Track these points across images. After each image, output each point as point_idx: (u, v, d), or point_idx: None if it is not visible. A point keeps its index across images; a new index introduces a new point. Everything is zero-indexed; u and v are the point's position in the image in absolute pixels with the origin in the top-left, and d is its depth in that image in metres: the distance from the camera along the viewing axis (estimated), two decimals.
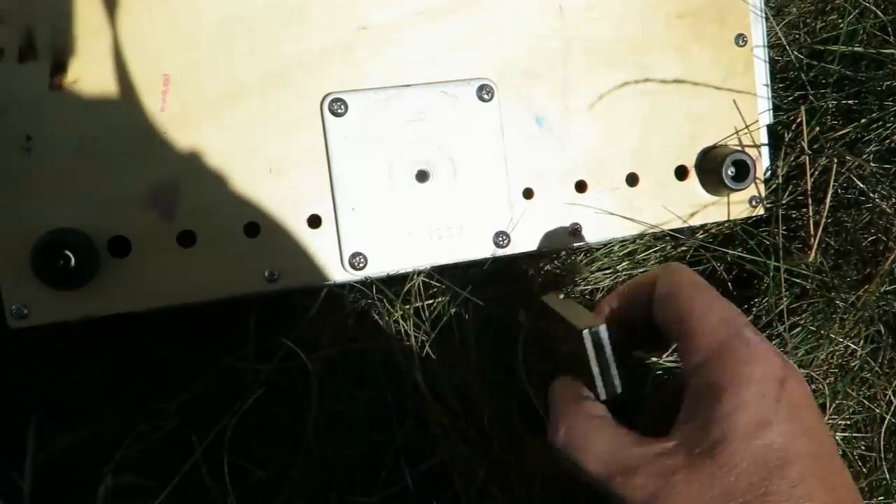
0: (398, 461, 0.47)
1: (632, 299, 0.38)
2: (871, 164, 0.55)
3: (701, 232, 0.53)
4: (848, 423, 0.54)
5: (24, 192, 0.39)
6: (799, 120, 0.52)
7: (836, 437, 0.53)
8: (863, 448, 0.55)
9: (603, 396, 0.35)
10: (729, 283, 0.54)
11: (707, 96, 0.48)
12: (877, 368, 0.54)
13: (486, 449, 0.47)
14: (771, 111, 0.50)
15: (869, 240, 0.56)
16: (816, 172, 0.53)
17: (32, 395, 0.45)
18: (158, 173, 0.41)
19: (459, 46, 0.45)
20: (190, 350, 0.47)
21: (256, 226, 0.42)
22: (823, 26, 0.60)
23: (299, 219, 0.43)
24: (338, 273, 0.43)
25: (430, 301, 0.48)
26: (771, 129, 0.51)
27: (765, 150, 0.50)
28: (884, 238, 0.56)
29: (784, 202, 0.53)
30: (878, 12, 0.57)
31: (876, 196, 0.55)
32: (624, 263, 0.52)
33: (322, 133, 0.43)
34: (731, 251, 0.52)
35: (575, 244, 0.47)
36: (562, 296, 0.44)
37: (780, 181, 0.51)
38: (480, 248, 0.45)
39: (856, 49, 0.56)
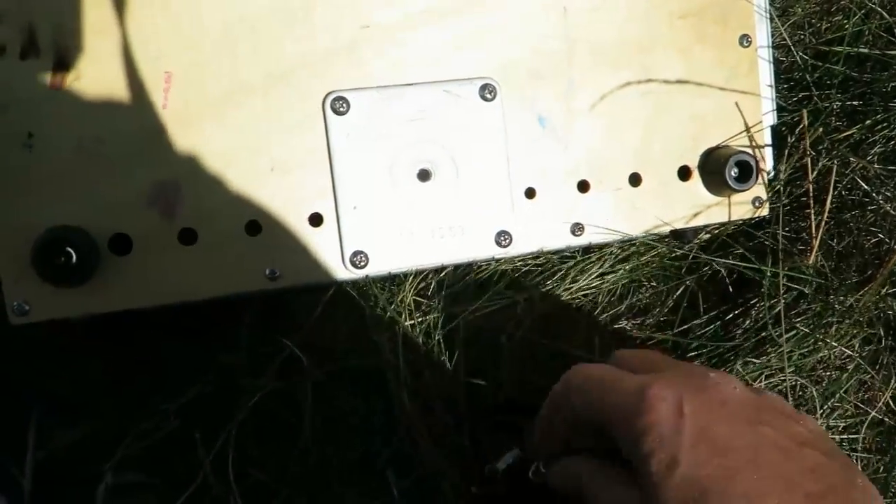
0: (395, 467, 0.47)
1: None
2: (876, 165, 0.55)
3: (704, 233, 0.53)
4: (846, 424, 0.54)
5: (25, 189, 0.39)
6: (802, 121, 0.51)
7: (835, 439, 0.53)
8: (860, 450, 0.55)
9: None
10: (729, 286, 0.54)
11: (711, 97, 0.48)
12: (872, 372, 0.54)
13: (477, 459, 0.47)
14: (775, 112, 0.50)
15: (872, 241, 0.56)
16: (820, 174, 0.53)
17: (33, 392, 0.45)
18: (160, 171, 0.41)
19: (462, 46, 0.44)
20: (190, 347, 0.47)
21: (258, 224, 0.42)
22: (829, 27, 0.60)
23: (301, 217, 0.43)
24: (339, 272, 0.43)
25: (421, 319, 0.48)
26: (775, 130, 0.51)
27: (768, 151, 0.50)
28: (887, 240, 0.56)
29: (787, 204, 0.53)
30: (884, 13, 0.56)
31: (880, 198, 0.55)
32: (622, 268, 0.52)
33: (324, 132, 0.43)
34: (721, 259, 0.52)
35: (577, 244, 0.47)
36: None
37: (782, 183, 0.50)
38: (482, 248, 0.45)
39: (861, 50, 0.56)
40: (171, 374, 0.46)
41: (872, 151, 0.55)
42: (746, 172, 0.47)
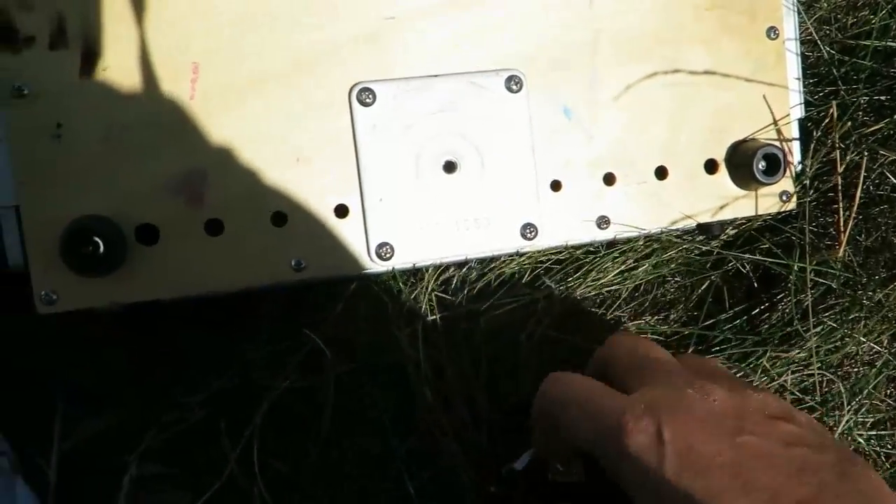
0: (409, 466, 0.47)
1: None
2: None
3: (730, 228, 0.52)
4: (874, 420, 0.53)
5: (53, 179, 0.40)
6: (831, 114, 0.51)
7: (863, 435, 0.53)
8: (889, 447, 0.54)
9: None
10: (755, 282, 0.54)
11: (737, 89, 0.48)
12: None
13: (496, 456, 0.47)
14: (803, 105, 0.50)
15: None
16: (847, 169, 0.52)
17: (59, 383, 0.45)
18: (187, 161, 0.41)
19: (488, 37, 0.44)
20: (213, 339, 0.47)
21: (283, 215, 0.42)
22: (854, 22, 0.59)
23: (326, 208, 0.42)
24: (364, 263, 0.43)
25: (445, 313, 0.48)
26: (802, 124, 0.50)
27: (796, 145, 0.49)
28: None
29: (814, 198, 0.52)
30: None
31: None
32: (646, 263, 0.51)
33: (350, 123, 0.42)
34: (747, 255, 0.52)
35: (602, 238, 0.47)
36: None
37: (809, 177, 0.50)
38: (508, 241, 0.44)
39: (888, 44, 0.55)
40: (195, 366, 0.46)
41: None
42: (774, 166, 0.47)
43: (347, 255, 0.43)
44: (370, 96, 0.42)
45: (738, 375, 0.51)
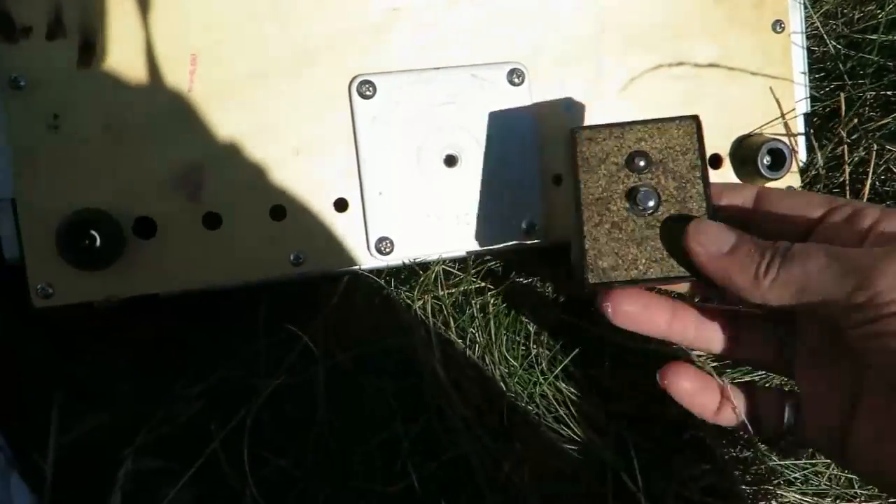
0: (417, 452, 0.46)
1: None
2: None
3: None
4: None
5: (50, 171, 0.39)
6: (837, 109, 0.50)
7: None
8: None
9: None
10: None
11: (743, 83, 0.47)
12: None
13: (509, 441, 0.46)
14: (808, 100, 0.49)
15: None
16: (853, 163, 0.51)
17: (55, 377, 0.45)
18: (185, 154, 0.40)
19: (490, 29, 0.44)
20: (211, 333, 0.46)
21: (282, 209, 0.41)
22: (861, 16, 0.59)
23: (326, 202, 0.42)
24: (364, 258, 0.42)
25: (452, 290, 0.47)
26: (808, 119, 0.50)
27: (801, 140, 0.49)
28: None
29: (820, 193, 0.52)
30: None
31: None
32: None
33: (350, 115, 0.42)
34: None
35: None
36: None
37: (820, 169, 0.49)
38: (510, 236, 0.44)
39: (895, 39, 0.55)
40: (192, 360, 0.46)
41: None
42: (779, 160, 0.46)
43: (347, 249, 0.42)
44: (370, 88, 0.42)
45: (751, 370, 0.50)
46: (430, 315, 0.45)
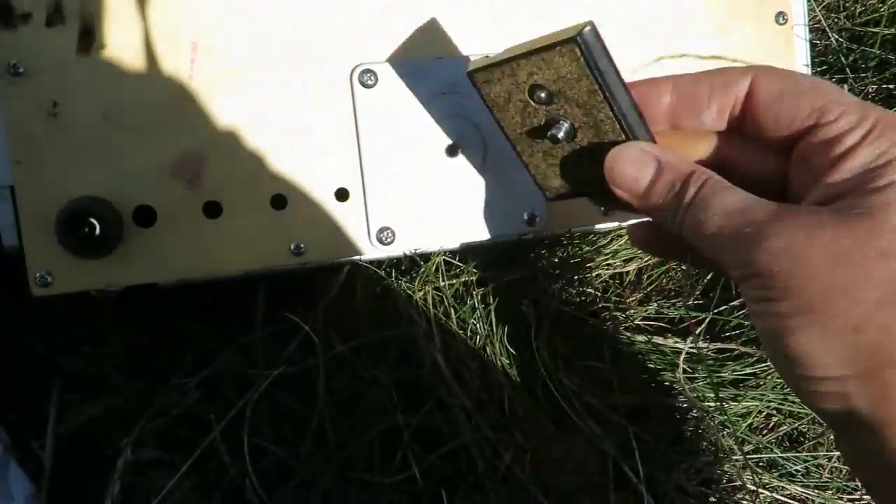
0: (418, 443, 0.46)
1: (700, 96, 0.32)
2: None
3: None
4: None
5: (49, 158, 0.39)
6: None
7: None
8: None
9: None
10: None
11: None
12: None
13: (509, 432, 0.46)
14: None
15: None
16: None
17: (54, 367, 0.45)
18: (185, 142, 0.40)
19: (493, 19, 0.43)
20: (210, 323, 0.46)
21: (283, 198, 0.41)
22: (863, 10, 0.58)
23: (327, 192, 0.42)
24: (365, 248, 0.42)
25: (453, 281, 0.47)
26: None
27: None
28: None
29: None
30: None
31: None
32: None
33: (351, 105, 0.42)
34: None
35: (607, 226, 0.46)
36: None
37: None
38: (512, 226, 0.44)
39: None
40: (191, 350, 0.46)
41: None
42: None
43: (348, 239, 0.42)
44: (372, 78, 0.42)
45: (753, 361, 0.50)
46: (430, 306, 0.45)
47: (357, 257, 0.43)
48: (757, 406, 0.49)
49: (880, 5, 0.57)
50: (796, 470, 0.48)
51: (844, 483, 0.48)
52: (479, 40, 0.43)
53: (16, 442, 0.42)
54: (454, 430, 0.44)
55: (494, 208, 0.43)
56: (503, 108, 0.36)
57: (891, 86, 0.55)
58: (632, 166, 0.31)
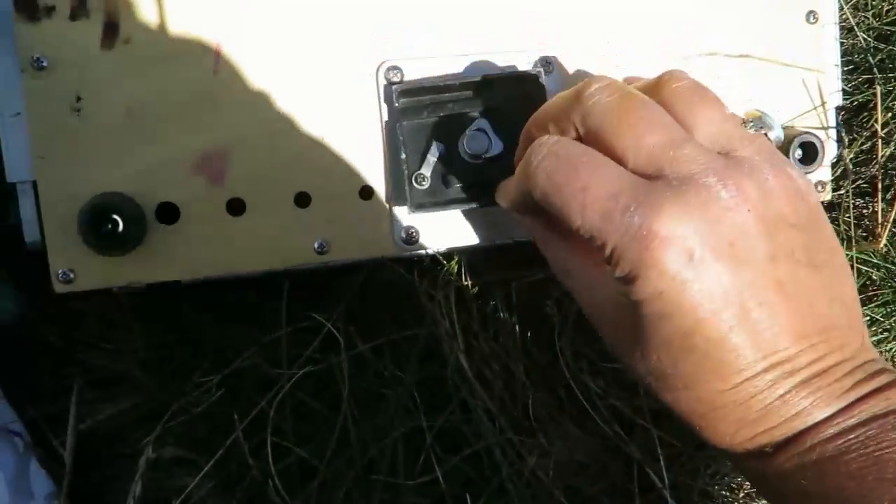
0: (440, 445, 0.45)
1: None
2: None
3: None
4: None
5: (72, 154, 0.38)
6: (865, 103, 0.50)
7: None
8: None
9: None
10: None
11: (774, 74, 0.46)
12: None
13: (533, 435, 0.45)
14: (841, 92, 0.48)
15: None
16: (884, 159, 0.51)
17: (74, 364, 0.44)
18: (209, 138, 0.40)
19: (519, 17, 0.43)
20: (232, 321, 0.46)
21: (307, 196, 0.41)
22: (891, 8, 0.58)
23: (351, 190, 0.41)
24: (389, 247, 0.42)
25: (475, 281, 0.46)
26: (839, 113, 0.49)
27: (833, 133, 0.48)
28: None
29: (847, 189, 0.51)
30: None
31: None
32: None
33: (377, 101, 0.41)
34: None
35: None
36: None
37: (848, 164, 0.48)
38: None
39: None
40: (213, 348, 0.45)
41: None
42: (811, 154, 0.45)
43: (372, 238, 0.42)
44: (398, 74, 0.41)
45: None
46: (453, 306, 0.45)
47: (381, 256, 0.42)
48: None
49: None
50: None
51: None
52: (506, 38, 0.43)
53: (36, 440, 0.42)
54: (477, 432, 0.44)
55: None
56: None
57: None
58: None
